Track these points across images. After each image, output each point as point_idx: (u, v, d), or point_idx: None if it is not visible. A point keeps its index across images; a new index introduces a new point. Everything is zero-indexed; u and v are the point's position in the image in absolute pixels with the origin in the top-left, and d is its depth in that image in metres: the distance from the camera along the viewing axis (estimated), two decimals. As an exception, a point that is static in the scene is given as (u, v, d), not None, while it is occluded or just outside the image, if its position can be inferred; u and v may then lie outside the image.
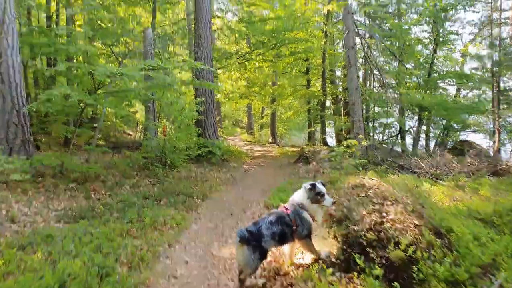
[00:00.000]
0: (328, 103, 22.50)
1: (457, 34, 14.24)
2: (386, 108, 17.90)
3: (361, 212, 3.85)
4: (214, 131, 12.91)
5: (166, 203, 7.06)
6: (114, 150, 12.15)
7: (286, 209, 3.90)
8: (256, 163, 14.57)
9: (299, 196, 4.02)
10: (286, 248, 4.19)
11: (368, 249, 3.52)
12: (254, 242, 3.47)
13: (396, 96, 11.69)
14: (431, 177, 8.15)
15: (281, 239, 3.74)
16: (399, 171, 8.78)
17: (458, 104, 12.99)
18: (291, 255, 4.17)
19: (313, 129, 22.83)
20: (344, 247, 3.78)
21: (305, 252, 4.18)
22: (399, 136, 15.72)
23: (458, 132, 18.19)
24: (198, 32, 12.69)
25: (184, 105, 10.04)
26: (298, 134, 30.54)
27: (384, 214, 3.72)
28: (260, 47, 15.32)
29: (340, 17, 21.67)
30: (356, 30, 9.96)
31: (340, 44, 21.72)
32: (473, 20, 18.29)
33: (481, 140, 17.56)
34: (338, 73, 22.07)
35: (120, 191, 7.53)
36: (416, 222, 3.58)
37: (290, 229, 3.78)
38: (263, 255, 3.57)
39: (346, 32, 9.79)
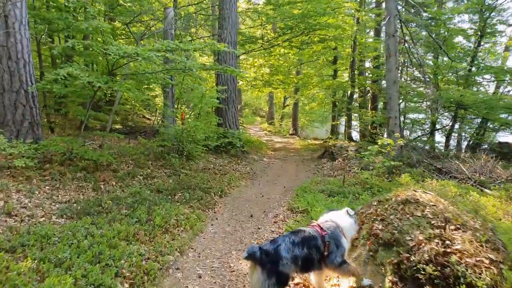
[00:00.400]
0: (355, 96, 21.34)
1: (508, 24, 12.80)
2: (418, 104, 16.79)
3: (417, 236, 3.09)
4: (235, 121, 12.20)
5: (180, 199, 6.44)
6: (129, 136, 11.67)
7: (322, 229, 3.14)
8: (277, 156, 13.84)
9: (342, 218, 3.28)
10: (312, 277, 3.46)
11: (427, 287, 2.77)
12: (269, 264, 2.78)
13: (435, 91, 10.60)
14: (474, 184, 7.23)
15: (306, 265, 3.00)
16: (437, 175, 7.88)
17: (504, 103, 11.72)
18: (319, 287, 3.44)
19: (338, 123, 21.83)
20: (395, 279, 3.03)
21: (342, 279, 3.46)
22: (430, 134, 14.62)
23: (494, 133, 16.90)
24: (223, 13, 11.90)
25: (204, 91, 9.35)
26: (320, 126, 29.49)
27: (448, 243, 2.94)
28: (288, 32, 14.38)
29: (373, 4, 20.52)
30: (399, 15, 8.95)
31: (371, 33, 20.52)
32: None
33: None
34: (367, 64, 20.88)
35: (132, 183, 6.96)
36: (492, 257, 2.80)
37: (320, 255, 3.04)
38: (281, 282, 2.84)
39: (387, 17, 8.77)
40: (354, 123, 20.95)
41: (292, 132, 25.40)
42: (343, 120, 23.27)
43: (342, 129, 24.01)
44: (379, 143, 7.74)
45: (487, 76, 16.38)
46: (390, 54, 8.79)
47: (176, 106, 12.17)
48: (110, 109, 14.56)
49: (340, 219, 3.26)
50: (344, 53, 20.16)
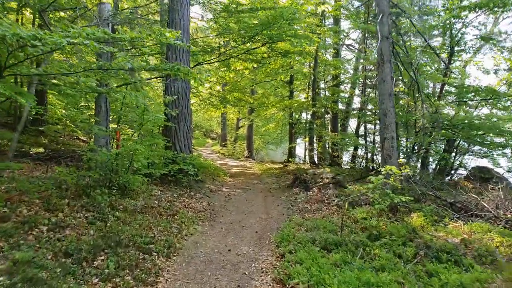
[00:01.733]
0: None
1: (491, 39, 11.85)
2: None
3: None
4: (188, 143, 9.86)
5: (102, 268, 4.01)
6: (51, 162, 8.93)
7: None
8: (237, 184, 11.64)
9: None
10: None
11: None
12: None
13: (430, 109, 9.17)
14: (507, 225, 5.57)
15: None
16: (453, 214, 6.15)
17: (492, 124, 10.51)
18: None
19: (295, 145, 20.24)
20: None
21: None
22: (409, 158, 13.27)
23: (461, 156, 16.14)
24: (173, 17, 9.79)
25: (146, 104, 7.03)
26: (275, 148, 27.92)
27: None
28: (247, 41, 12.49)
29: (332, 24, 19.54)
30: (392, 15, 7.41)
31: (328, 56, 19.44)
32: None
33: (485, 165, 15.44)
34: (322, 85, 19.84)
35: (26, 240, 4.38)
36: None
37: None
38: None
39: (380, 16, 7.19)
40: (315, 145, 19.53)
41: (247, 155, 23.64)
42: (299, 142, 21.90)
43: (298, 151, 22.62)
44: (383, 173, 5.87)
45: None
46: (384, 60, 7.13)
47: (116, 125, 9.60)
48: (36, 129, 11.63)
49: None
50: (303, 72, 18.87)
